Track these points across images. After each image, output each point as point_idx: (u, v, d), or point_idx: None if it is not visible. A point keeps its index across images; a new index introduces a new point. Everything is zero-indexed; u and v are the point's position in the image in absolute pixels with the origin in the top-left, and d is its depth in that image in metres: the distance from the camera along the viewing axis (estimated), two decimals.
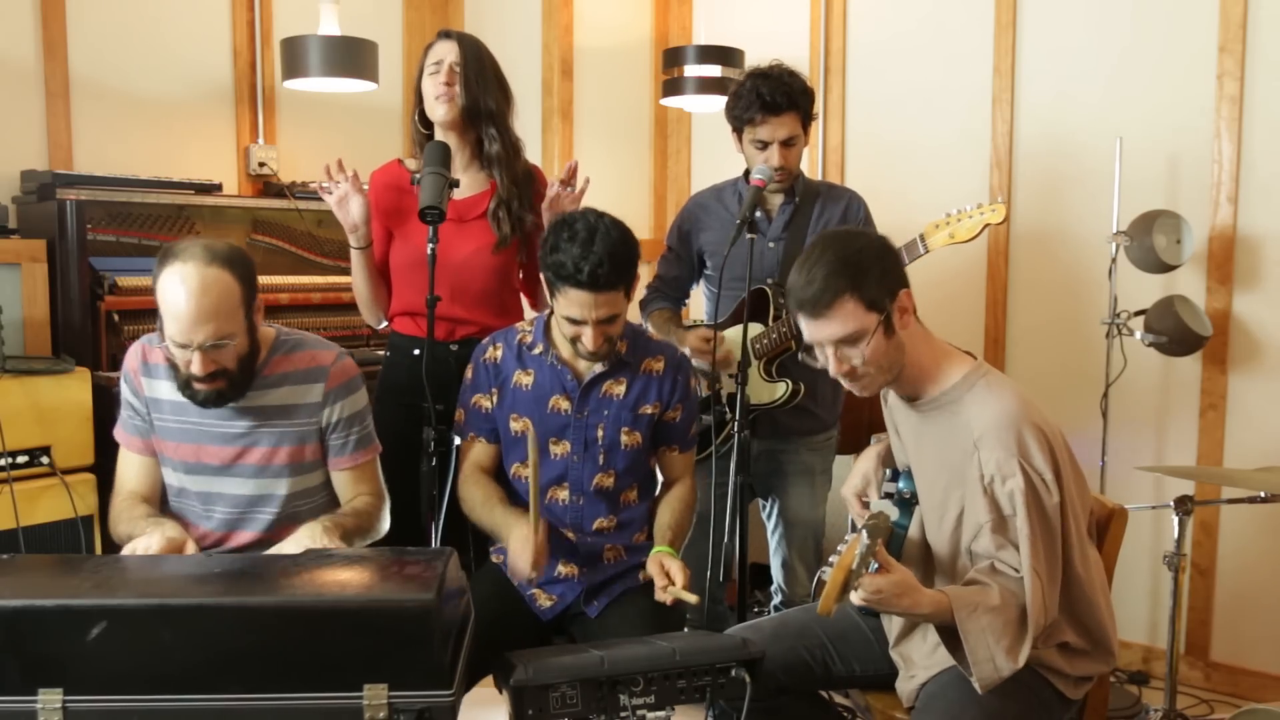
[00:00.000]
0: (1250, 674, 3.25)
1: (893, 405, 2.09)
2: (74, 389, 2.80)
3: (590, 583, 2.31)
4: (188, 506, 2.20)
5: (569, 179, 2.59)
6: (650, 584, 2.32)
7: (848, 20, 3.96)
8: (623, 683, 1.80)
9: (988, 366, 1.96)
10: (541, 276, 2.26)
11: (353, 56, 3.49)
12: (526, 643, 2.03)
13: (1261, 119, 3.14)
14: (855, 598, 1.73)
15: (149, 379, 2.16)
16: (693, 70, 3.87)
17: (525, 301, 2.80)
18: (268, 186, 3.72)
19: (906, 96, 3.82)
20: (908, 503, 2.01)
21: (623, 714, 1.79)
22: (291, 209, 3.51)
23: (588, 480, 2.32)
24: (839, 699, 2.59)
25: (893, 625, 2.05)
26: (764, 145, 2.69)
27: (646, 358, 2.36)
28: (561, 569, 2.32)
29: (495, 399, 2.36)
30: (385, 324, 2.75)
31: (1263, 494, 2.53)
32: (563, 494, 2.33)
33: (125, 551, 2.03)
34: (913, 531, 2.00)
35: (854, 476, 2.15)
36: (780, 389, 2.73)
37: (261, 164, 3.74)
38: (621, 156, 4.35)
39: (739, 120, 2.72)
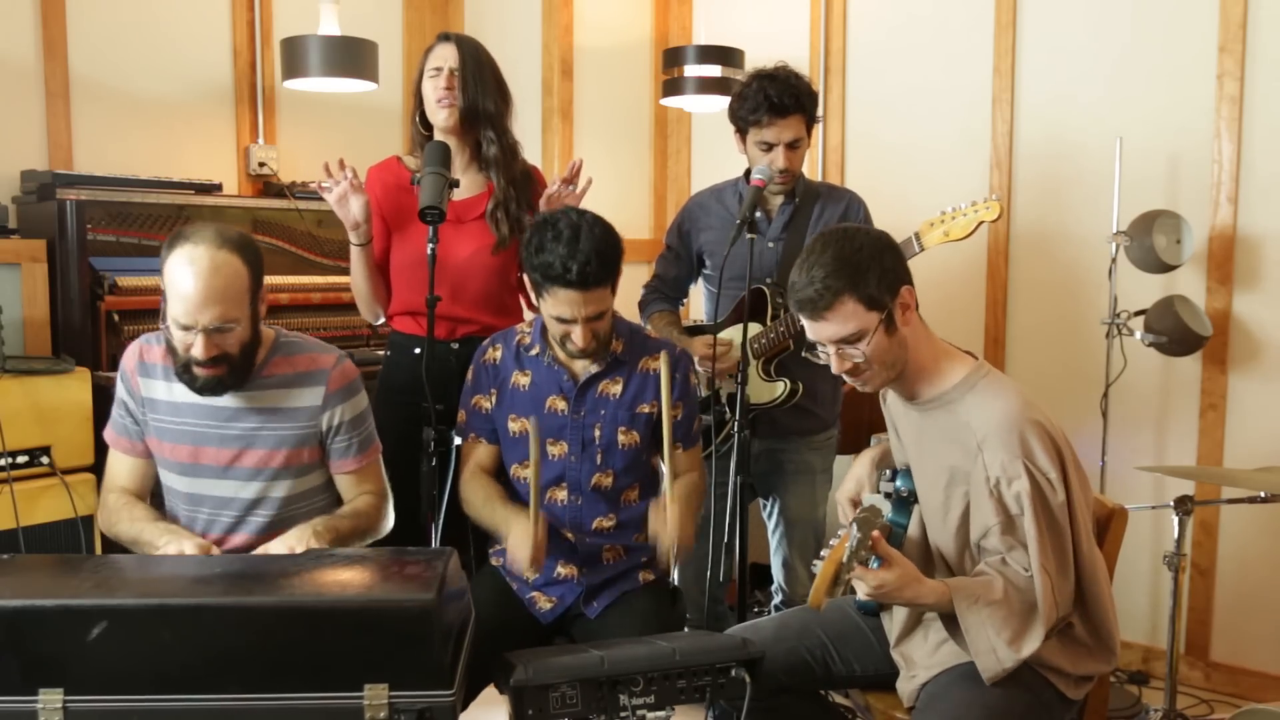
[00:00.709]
0: (1250, 674, 3.25)
1: (892, 404, 2.09)
2: (74, 389, 2.80)
3: (590, 583, 2.31)
4: (183, 508, 2.19)
5: (572, 178, 2.59)
6: (650, 584, 2.33)
7: (848, 20, 3.96)
8: (623, 683, 1.80)
9: (989, 366, 1.96)
10: (526, 278, 2.25)
11: (353, 56, 3.49)
12: (526, 645, 2.03)
13: (1261, 119, 3.15)
14: (860, 591, 1.74)
15: (146, 379, 2.15)
16: (693, 70, 3.87)
17: (524, 301, 2.80)
18: (268, 186, 3.72)
19: (906, 96, 3.83)
20: (906, 501, 2.01)
21: (623, 714, 1.79)
22: (291, 209, 3.50)
23: (586, 480, 2.32)
24: (839, 699, 2.59)
25: (893, 625, 2.06)
26: (769, 147, 2.69)
27: (644, 356, 2.36)
28: (561, 570, 2.31)
29: (494, 400, 2.36)
30: (382, 320, 2.75)
31: (1263, 494, 2.53)
32: (561, 494, 2.33)
33: (165, 545, 2.02)
34: (912, 530, 2.01)
35: (848, 481, 2.15)
36: (779, 388, 2.73)
37: (261, 164, 3.74)
38: (621, 156, 4.35)
39: (744, 121, 2.71)
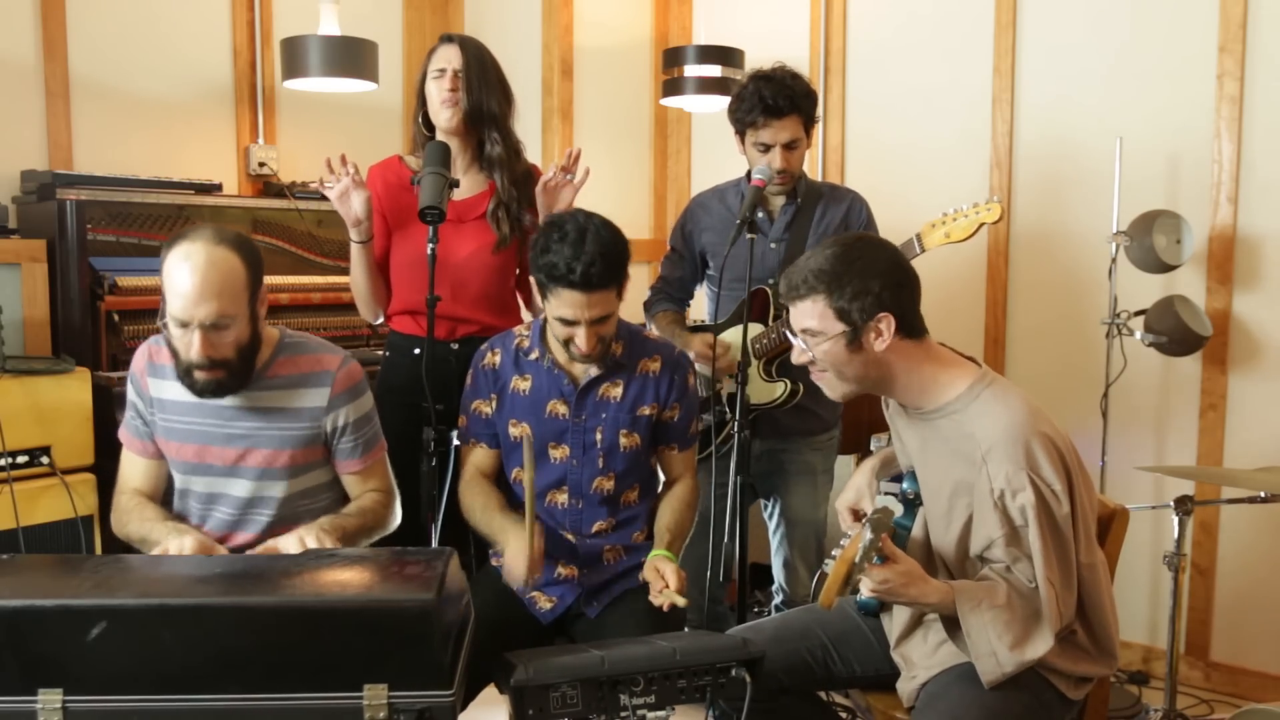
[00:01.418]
0: (1250, 674, 3.25)
1: (894, 412, 2.09)
2: (74, 389, 2.80)
3: (590, 584, 2.31)
4: (189, 507, 2.19)
5: (569, 166, 2.58)
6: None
7: (848, 20, 3.96)
8: (623, 683, 1.80)
9: (993, 374, 1.95)
10: (532, 280, 2.25)
11: (353, 56, 3.49)
12: (526, 645, 2.03)
13: (1261, 119, 3.15)
14: (864, 588, 1.74)
15: (156, 379, 2.15)
16: (693, 70, 3.87)
17: (522, 301, 2.80)
18: (268, 186, 3.72)
19: (906, 97, 3.83)
20: (911, 504, 2.01)
21: (623, 714, 1.79)
22: (291, 209, 3.51)
23: (587, 484, 2.32)
24: (840, 699, 2.60)
25: (894, 626, 2.05)
26: (766, 148, 2.69)
27: (643, 358, 2.36)
28: (561, 570, 2.31)
29: (494, 405, 2.36)
30: (381, 320, 2.75)
31: (1263, 494, 2.53)
32: (562, 497, 2.33)
33: (170, 544, 2.02)
34: (916, 532, 2.01)
35: (847, 490, 2.15)
36: (779, 389, 2.73)
37: (261, 164, 3.74)
38: (621, 156, 4.35)
39: (741, 123, 2.72)
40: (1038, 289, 3.58)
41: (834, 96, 3.98)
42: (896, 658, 2.04)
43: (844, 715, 2.65)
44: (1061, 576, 1.82)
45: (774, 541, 2.99)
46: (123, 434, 2.23)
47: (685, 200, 4.29)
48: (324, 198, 3.22)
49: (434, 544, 2.35)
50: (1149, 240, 3.07)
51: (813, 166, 4.00)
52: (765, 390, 2.75)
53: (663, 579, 2.19)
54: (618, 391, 2.32)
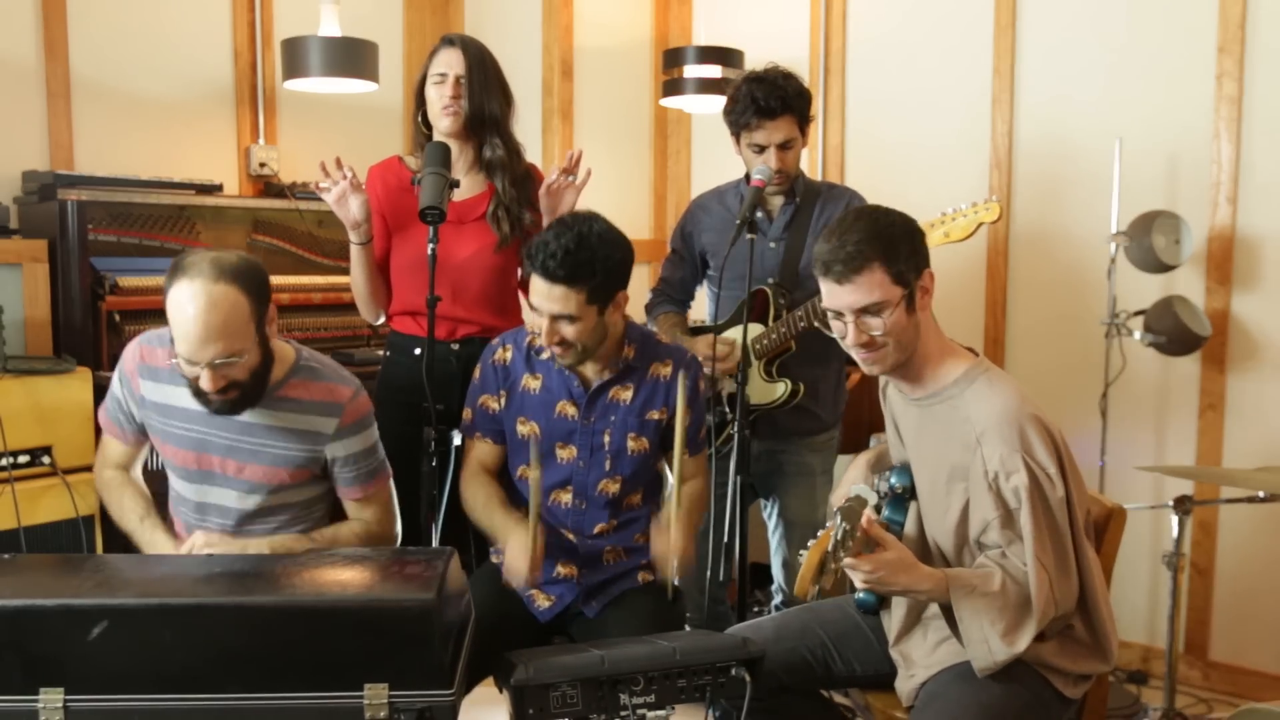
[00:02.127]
0: (1249, 673, 3.26)
1: (892, 399, 2.09)
2: (75, 389, 2.80)
3: (589, 583, 2.32)
4: (191, 516, 2.19)
5: (571, 168, 2.58)
6: (649, 585, 2.33)
7: (847, 20, 3.96)
8: (623, 682, 1.80)
9: (989, 363, 1.97)
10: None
11: (353, 57, 3.49)
12: (525, 643, 2.03)
13: (1261, 119, 3.15)
14: (856, 579, 1.73)
15: (151, 382, 2.15)
16: (693, 71, 3.87)
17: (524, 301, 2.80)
18: (268, 187, 3.72)
19: (906, 96, 3.83)
20: (902, 498, 2.01)
21: (623, 713, 1.80)
22: (292, 209, 3.51)
23: (592, 486, 2.32)
24: (839, 698, 2.60)
25: (892, 625, 2.06)
26: (760, 149, 2.69)
27: (654, 362, 2.35)
28: (560, 569, 2.32)
29: (503, 401, 2.35)
30: (382, 321, 2.75)
31: (1261, 494, 2.54)
32: (566, 497, 2.33)
33: (158, 540, 2.07)
34: (909, 527, 2.01)
35: (841, 486, 2.15)
36: (779, 389, 2.73)
37: (262, 164, 3.74)
38: (621, 156, 4.35)
39: (735, 124, 2.72)
40: (1037, 289, 3.58)
41: (834, 96, 3.98)
42: (895, 656, 2.04)
43: (844, 714, 2.65)
44: (1056, 559, 1.81)
45: (773, 541, 2.99)
46: (102, 416, 2.25)
47: (685, 201, 4.29)
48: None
49: (434, 544, 2.35)
50: (1148, 240, 3.08)
51: (812, 166, 4.01)
52: (765, 391, 2.75)
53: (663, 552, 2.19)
54: (628, 395, 2.32)
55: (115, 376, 2.20)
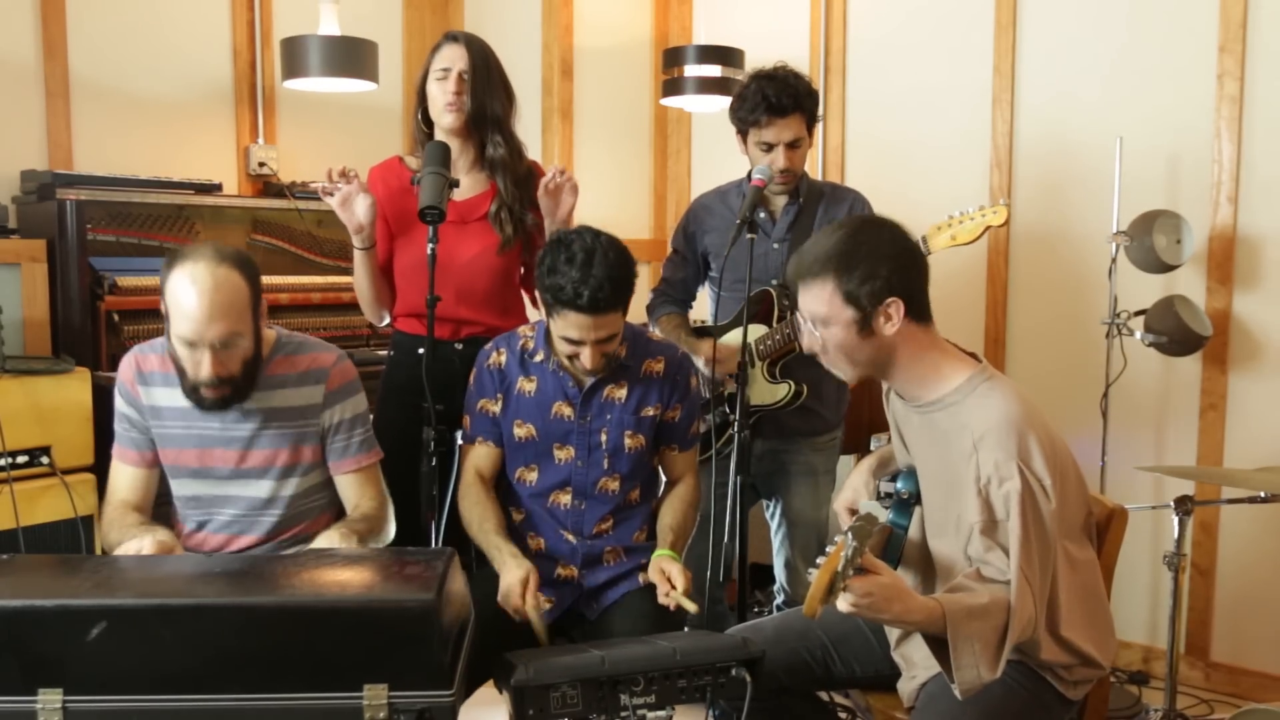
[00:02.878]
0: (1250, 674, 3.25)
1: (895, 406, 2.09)
2: (74, 389, 2.80)
3: (590, 584, 2.32)
4: (188, 513, 2.19)
5: (559, 183, 2.55)
6: (650, 586, 2.32)
7: (848, 20, 3.96)
8: (623, 682, 1.80)
9: (992, 369, 1.95)
10: (538, 296, 2.25)
11: (353, 56, 3.49)
12: (525, 645, 2.03)
13: (1261, 119, 3.15)
14: (843, 603, 1.67)
15: (147, 387, 2.16)
16: (693, 70, 3.87)
17: (527, 299, 2.80)
18: (268, 186, 3.72)
19: (907, 96, 3.83)
20: (907, 503, 2.00)
21: (623, 714, 1.79)
22: (291, 209, 3.50)
23: (591, 485, 2.32)
24: (839, 699, 2.60)
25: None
26: (769, 147, 2.69)
27: (647, 359, 2.36)
28: (561, 571, 2.31)
29: (500, 404, 2.36)
30: (387, 322, 2.75)
31: (1263, 494, 2.53)
32: (565, 498, 2.33)
33: (116, 554, 2.02)
34: (913, 532, 2.00)
35: (845, 489, 2.14)
36: (782, 390, 2.73)
37: (261, 164, 3.74)
38: (621, 156, 4.35)
39: (744, 122, 2.71)
40: (1038, 289, 3.58)
41: (834, 96, 3.98)
42: (897, 658, 2.04)
43: (844, 715, 2.65)
44: (1039, 575, 1.77)
45: (775, 542, 2.99)
46: (116, 449, 2.23)
47: (685, 200, 4.29)
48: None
49: (434, 544, 2.35)
50: (1149, 240, 3.07)
51: (813, 166, 4.00)
52: (769, 391, 2.75)
53: (669, 581, 2.19)
54: (622, 393, 2.32)
55: (117, 394, 2.20)
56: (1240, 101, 3.16)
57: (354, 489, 2.24)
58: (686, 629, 2.31)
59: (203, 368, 1.99)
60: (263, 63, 3.79)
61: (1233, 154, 3.18)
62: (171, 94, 3.62)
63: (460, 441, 2.42)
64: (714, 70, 3.85)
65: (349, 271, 2.68)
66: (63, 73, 3.35)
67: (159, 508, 2.25)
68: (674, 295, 2.98)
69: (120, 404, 2.19)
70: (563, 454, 2.32)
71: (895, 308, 1.85)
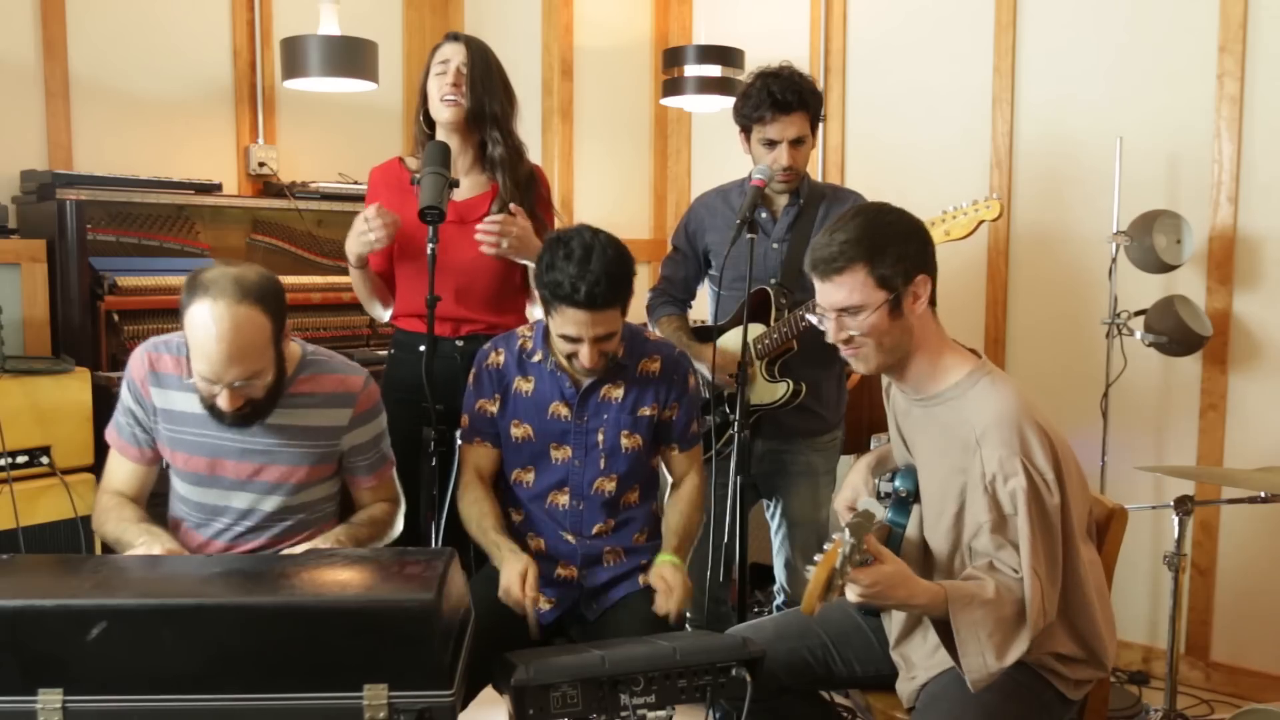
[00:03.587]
0: (1250, 674, 3.25)
1: (895, 400, 2.09)
2: (74, 389, 2.79)
3: (589, 585, 2.31)
4: (194, 516, 2.17)
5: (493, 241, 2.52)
6: (650, 587, 2.32)
7: (848, 20, 3.96)
8: (623, 682, 1.80)
9: (991, 365, 1.96)
10: (537, 294, 2.25)
11: (353, 56, 3.49)
12: (526, 646, 2.03)
13: (1262, 119, 3.14)
14: (851, 594, 1.71)
15: (160, 389, 2.12)
16: (693, 70, 3.87)
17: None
18: (268, 186, 3.71)
19: (906, 96, 3.82)
20: (905, 501, 2.00)
21: (623, 713, 1.79)
22: (291, 209, 3.50)
23: (589, 485, 2.32)
24: (839, 699, 2.59)
25: (893, 626, 2.05)
26: (772, 144, 2.69)
27: (643, 359, 2.35)
28: (560, 572, 2.31)
29: (498, 405, 2.36)
30: (388, 318, 2.75)
31: (1263, 494, 2.53)
32: (563, 499, 2.33)
33: (138, 548, 2.00)
34: (911, 530, 2.00)
35: (844, 488, 2.15)
36: (781, 389, 2.73)
37: (261, 164, 3.74)
38: (621, 156, 4.35)
39: (748, 119, 2.72)
40: (1038, 289, 3.58)
41: (834, 96, 3.98)
42: (896, 658, 2.04)
43: (844, 715, 2.65)
44: (1048, 569, 1.80)
45: (776, 542, 2.99)
46: (111, 436, 2.20)
47: (685, 200, 4.29)
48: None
49: (434, 544, 2.35)
50: (1149, 240, 3.07)
51: (813, 167, 3.99)
52: (767, 391, 2.74)
53: (669, 588, 2.19)
54: (619, 393, 2.32)
55: (124, 388, 2.16)
56: (1240, 101, 3.16)
57: (368, 496, 2.26)
58: (687, 629, 2.31)
59: (221, 401, 1.96)
60: (263, 63, 3.79)
61: (1233, 154, 3.18)
62: (171, 94, 3.62)
63: (459, 442, 2.42)
64: (714, 70, 3.85)
65: (348, 271, 2.68)
66: (62, 73, 3.35)
67: (153, 497, 2.24)
68: (673, 294, 2.98)
69: (127, 399, 2.15)
70: (559, 454, 2.32)
71: (924, 285, 1.88)
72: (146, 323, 3.04)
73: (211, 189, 3.41)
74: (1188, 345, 3.11)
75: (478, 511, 2.32)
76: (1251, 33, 3.14)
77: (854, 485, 2.14)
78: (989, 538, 1.82)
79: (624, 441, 2.32)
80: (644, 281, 3.07)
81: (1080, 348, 3.47)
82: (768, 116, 2.66)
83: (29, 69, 3.30)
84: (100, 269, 3.03)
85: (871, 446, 3.38)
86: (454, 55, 2.55)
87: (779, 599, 3.02)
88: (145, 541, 2.01)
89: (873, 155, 3.92)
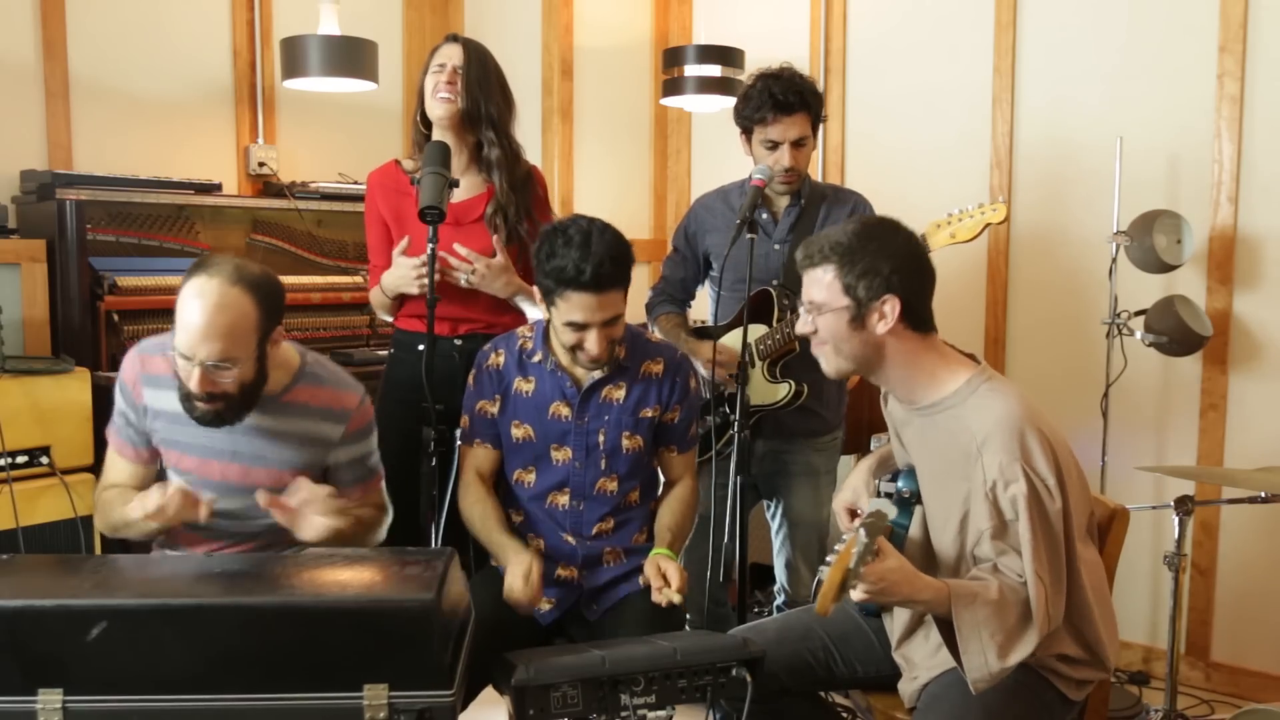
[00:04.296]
0: (1250, 674, 3.25)
1: (893, 409, 2.09)
2: (74, 389, 2.80)
3: (590, 585, 2.31)
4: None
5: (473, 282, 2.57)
6: (650, 587, 2.32)
7: (848, 20, 3.96)
8: (624, 682, 1.80)
9: (991, 371, 1.95)
10: (536, 287, 2.25)
11: (352, 56, 3.49)
12: (526, 646, 2.03)
13: (1262, 119, 3.14)
14: (857, 592, 1.72)
15: (152, 389, 2.13)
16: (693, 70, 3.87)
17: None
18: (268, 186, 3.71)
19: (906, 97, 3.82)
20: (908, 502, 2.00)
21: (624, 714, 1.79)
22: (291, 209, 3.50)
23: (590, 486, 2.32)
24: (840, 700, 2.60)
25: (895, 627, 2.05)
26: (774, 145, 2.69)
27: (645, 360, 2.35)
28: (561, 572, 2.31)
29: (498, 405, 2.35)
30: (393, 317, 2.76)
31: (1263, 494, 2.53)
32: (563, 499, 2.33)
33: (133, 505, 2.00)
34: (914, 531, 2.00)
35: (844, 490, 2.15)
36: (782, 390, 2.73)
37: (261, 164, 3.74)
38: (621, 156, 4.35)
39: (749, 120, 2.72)
40: (1038, 289, 3.58)
41: (834, 97, 3.98)
42: (898, 658, 2.04)
43: (845, 716, 2.65)
44: (1051, 574, 1.80)
45: (776, 542, 2.98)
46: (110, 435, 2.21)
47: (685, 200, 4.29)
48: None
49: (434, 544, 2.35)
50: (1149, 240, 3.07)
51: (813, 167, 3.99)
52: (769, 391, 2.74)
53: (663, 577, 2.19)
54: (620, 394, 2.32)
55: (117, 391, 2.17)
56: (1240, 101, 3.16)
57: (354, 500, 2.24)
58: (687, 629, 2.31)
59: (192, 381, 1.96)
60: (262, 63, 3.79)
61: (1233, 154, 3.18)
62: (171, 94, 3.62)
63: (459, 442, 2.42)
64: (714, 70, 3.85)
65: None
66: (62, 73, 3.35)
67: None
68: (673, 294, 2.98)
69: (120, 402, 2.17)
70: (560, 455, 2.32)
71: (890, 306, 1.88)
72: (146, 323, 3.04)
73: (211, 189, 3.41)
74: (1188, 345, 3.11)
75: (480, 511, 2.32)
76: (1251, 33, 3.14)
77: (854, 487, 2.14)
78: (990, 544, 1.82)
79: (625, 442, 2.32)
80: (644, 282, 3.07)
81: (1080, 348, 3.47)
82: (769, 118, 2.66)
83: (29, 69, 3.30)
84: (100, 269, 3.03)
85: (872, 447, 3.37)
86: (451, 56, 2.57)
87: (779, 599, 3.02)
88: (139, 501, 1.99)
89: (873, 155, 3.92)
